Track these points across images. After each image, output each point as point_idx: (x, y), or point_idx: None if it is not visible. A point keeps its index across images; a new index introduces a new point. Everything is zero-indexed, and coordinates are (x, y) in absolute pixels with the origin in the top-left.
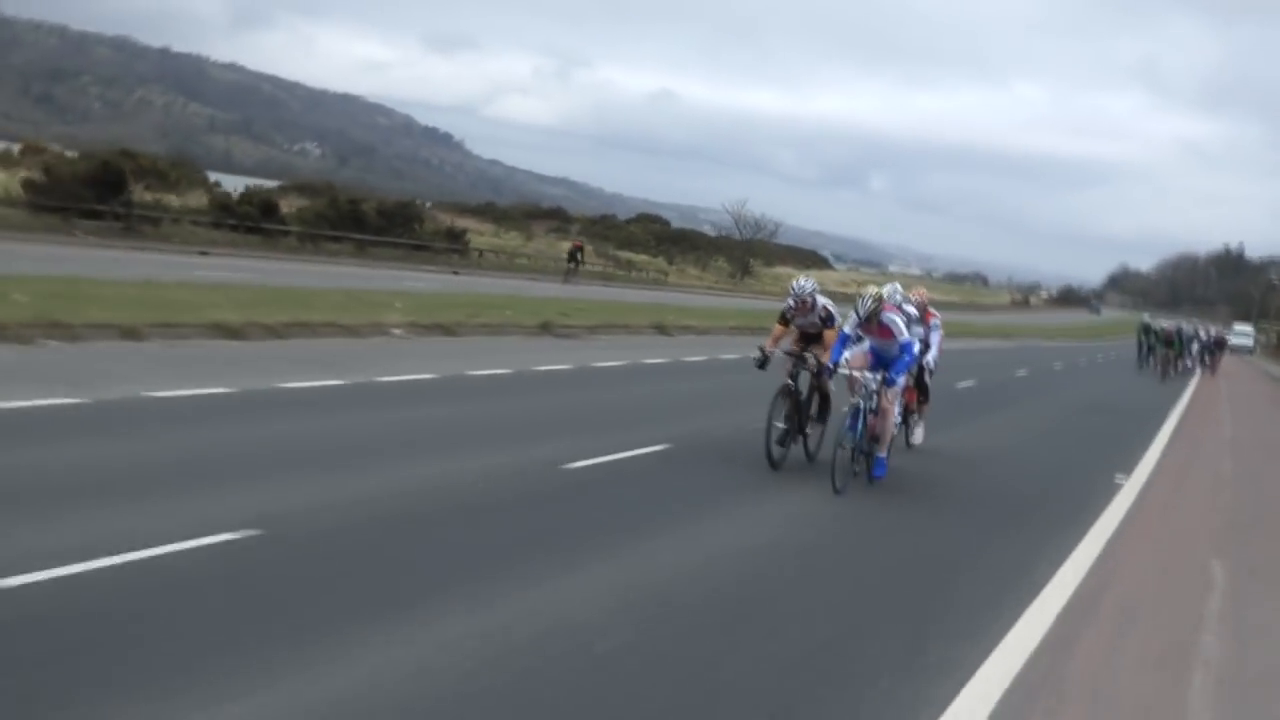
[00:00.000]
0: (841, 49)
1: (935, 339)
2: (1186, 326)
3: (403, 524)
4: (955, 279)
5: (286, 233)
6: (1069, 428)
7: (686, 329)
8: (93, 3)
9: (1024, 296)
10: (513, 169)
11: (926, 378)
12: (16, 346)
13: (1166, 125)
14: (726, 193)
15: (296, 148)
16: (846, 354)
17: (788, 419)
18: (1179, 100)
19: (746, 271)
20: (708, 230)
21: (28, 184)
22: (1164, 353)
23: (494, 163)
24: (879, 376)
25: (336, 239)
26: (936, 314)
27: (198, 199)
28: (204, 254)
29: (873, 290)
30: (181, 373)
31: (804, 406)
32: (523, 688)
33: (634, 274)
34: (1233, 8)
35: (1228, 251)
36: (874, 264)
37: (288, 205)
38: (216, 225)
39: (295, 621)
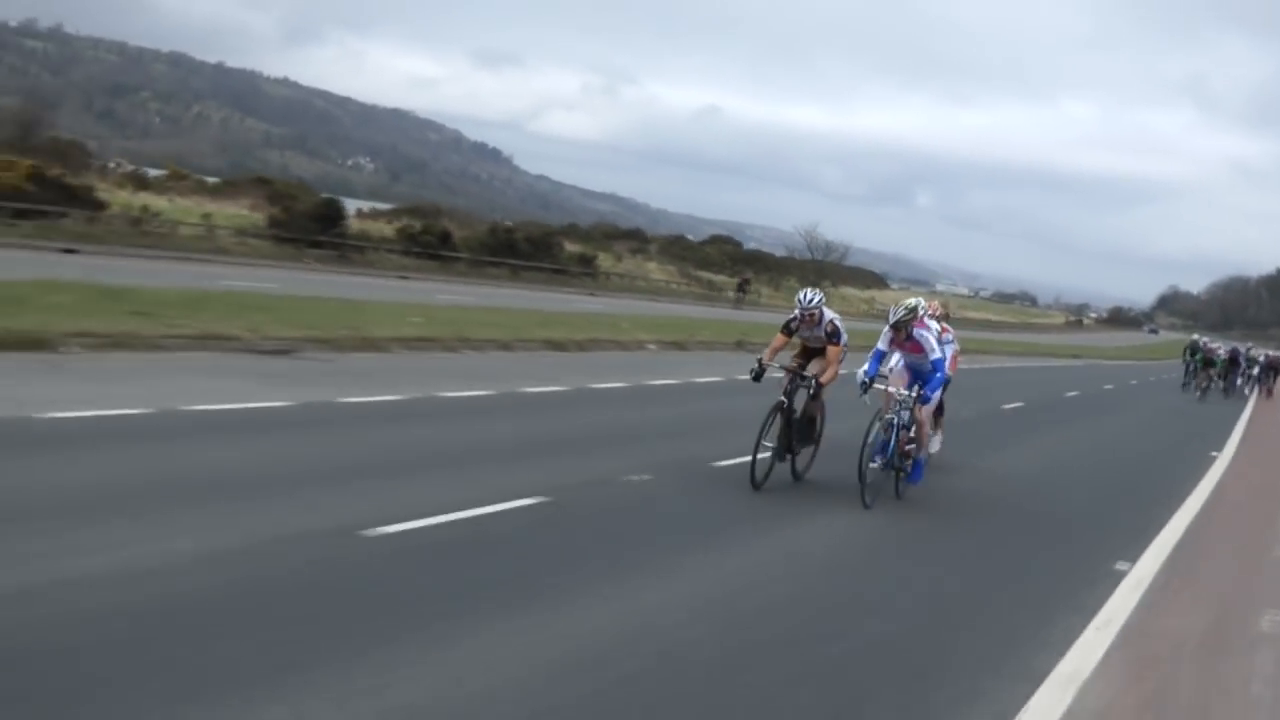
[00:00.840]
0: (886, 65)
1: (949, 353)
2: (1242, 348)
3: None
4: (1003, 298)
5: (458, 259)
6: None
7: None
8: (149, 19)
9: (1078, 318)
10: (560, 184)
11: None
12: (440, 354)
13: (1215, 143)
14: (771, 209)
15: (350, 163)
16: (884, 369)
17: (778, 438)
18: (1228, 118)
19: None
20: (755, 246)
21: (272, 220)
22: (1204, 373)
23: (541, 178)
24: (914, 393)
25: (495, 264)
26: (950, 329)
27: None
28: (404, 278)
29: (909, 301)
30: (536, 374)
31: (795, 426)
32: None
33: (716, 294)
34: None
35: None
36: (921, 282)
37: (402, 228)
38: (405, 252)
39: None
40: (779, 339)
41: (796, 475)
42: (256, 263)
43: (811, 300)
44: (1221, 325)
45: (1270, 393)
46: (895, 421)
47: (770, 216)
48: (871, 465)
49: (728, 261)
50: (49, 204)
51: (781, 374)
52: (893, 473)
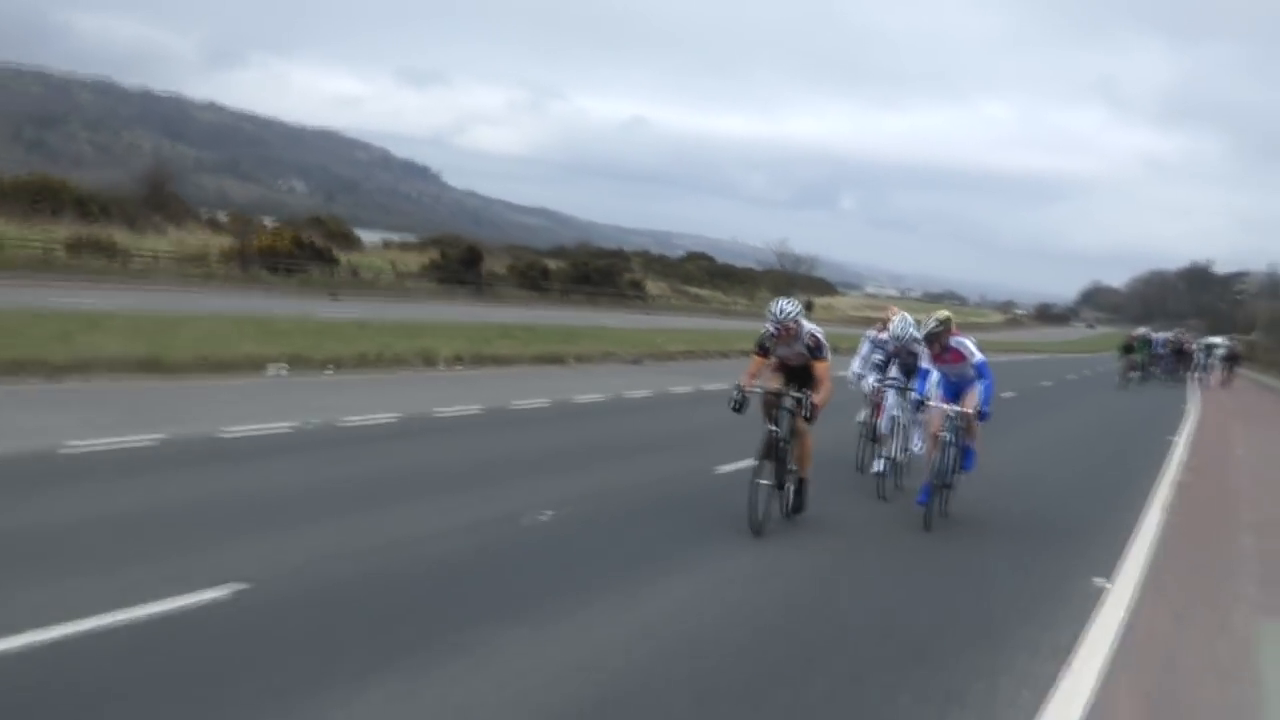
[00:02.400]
0: (812, 74)
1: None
2: (1194, 338)
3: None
4: (931, 298)
5: (550, 289)
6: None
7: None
8: (67, 44)
9: (1015, 315)
10: (489, 199)
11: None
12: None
13: (1128, 140)
14: (698, 217)
15: (284, 185)
16: (927, 388)
17: (770, 474)
18: (1139, 116)
19: None
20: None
21: (431, 265)
22: (1128, 359)
23: (470, 193)
24: (966, 410)
25: (576, 291)
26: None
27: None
28: (528, 306)
29: (940, 314)
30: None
31: (786, 456)
32: None
33: (698, 306)
34: (1187, 27)
35: (1196, 266)
36: (849, 284)
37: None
38: (520, 286)
39: None
40: (755, 361)
41: (786, 512)
42: (443, 300)
43: (788, 312)
44: (1143, 317)
45: (1227, 382)
46: (947, 439)
47: (698, 225)
48: (933, 485)
49: (706, 276)
50: (303, 261)
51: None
52: (940, 490)
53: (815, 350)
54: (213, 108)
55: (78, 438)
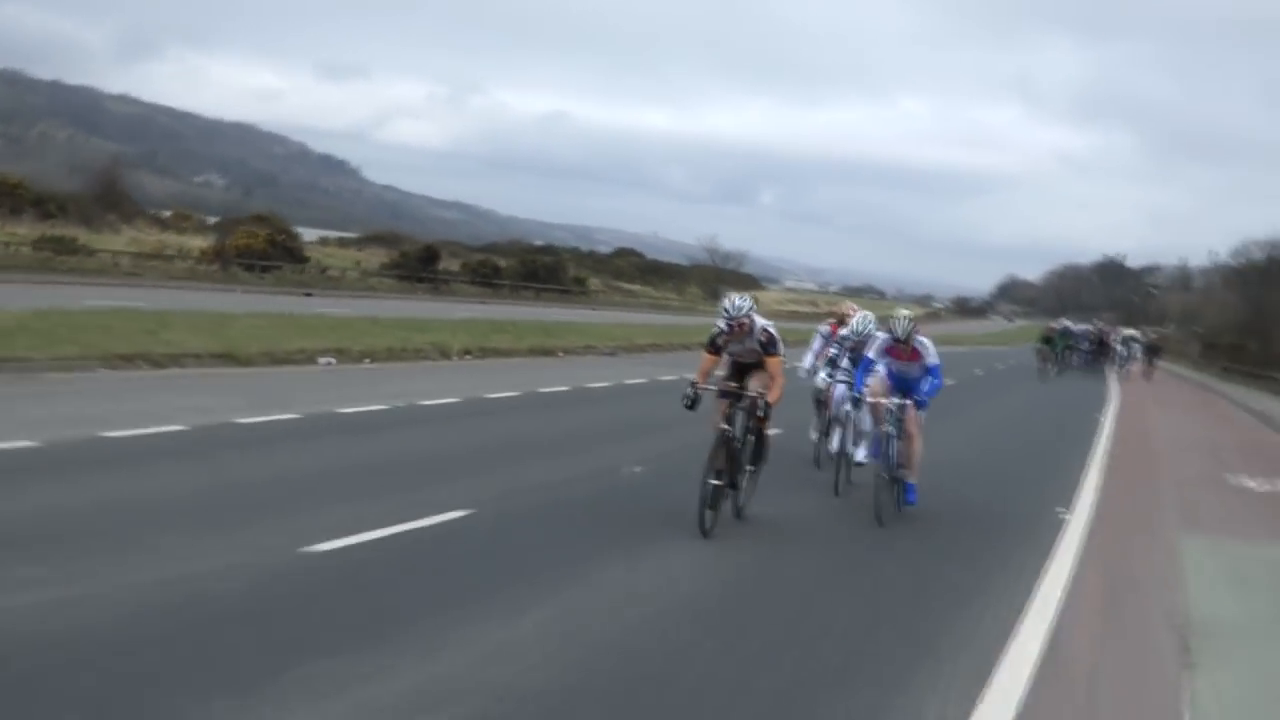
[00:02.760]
0: (733, 69)
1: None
2: (1114, 330)
3: None
4: (851, 292)
5: (501, 285)
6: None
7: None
8: None
9: (934, 309)
10: (408, 194)
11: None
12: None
13: (1042, 136)
14: (618, 211)
15: (201, 179)
16: (869, 380)
17: (721, 474)
18: (1052, 112)
19: (715, 296)
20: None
21: (387, 264)
22: (1043, 350)
23: (389, 188)
24: (906, 401)
25: (525, 287)
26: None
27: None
28: (484, 303)
29: (904, 312)
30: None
31: (739, 456)
32: None
33: (634, 301)
34: (1097, 26)
35: (1109, 260)
36: (768, 279)
37: (386, 256)
38: (471, 282)
39: None
40: (707, 359)
41: (739, 512)
42: (405, 296)
43: (740, 307)
44: (1059, 310)
45: (1149, 373)
46: (890, 433)
47: (619, 219)
48: (857, 461)
49: (637, 272)
50: (275, 260)
51: (719, 399)
52: (892, 484)
53: (769, 345)
54: (128, 100)
55: (240, 415)
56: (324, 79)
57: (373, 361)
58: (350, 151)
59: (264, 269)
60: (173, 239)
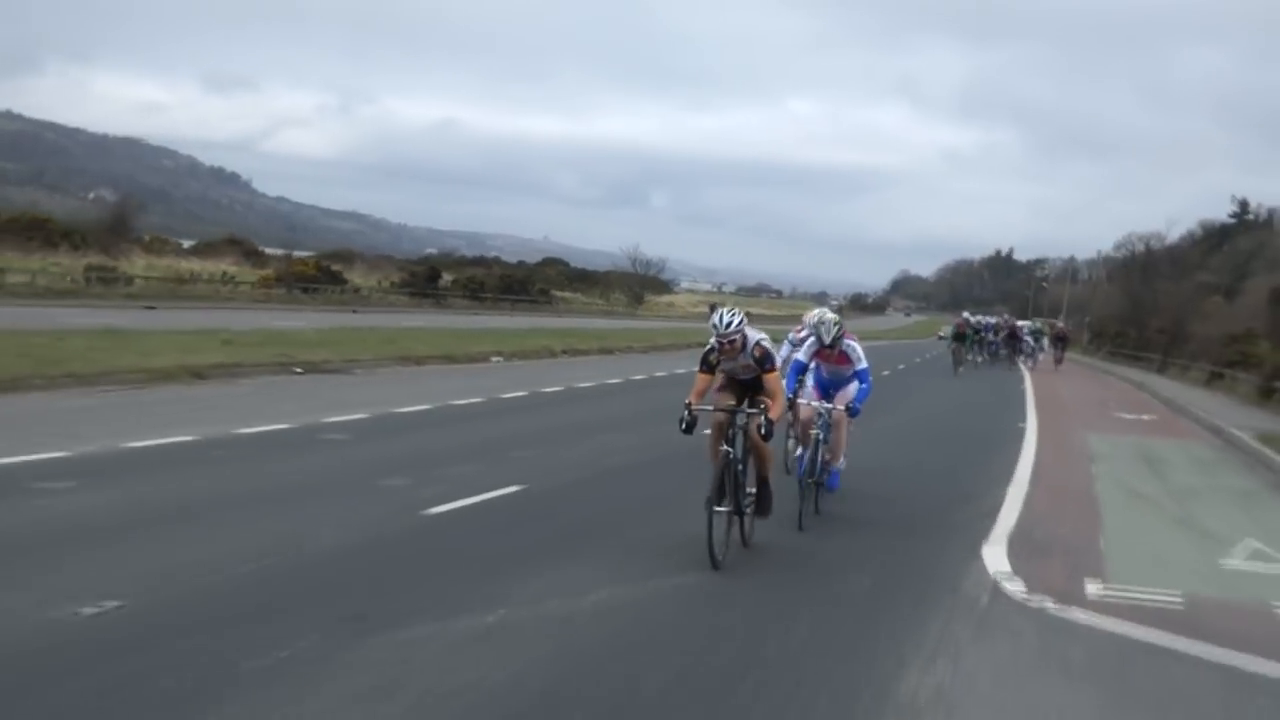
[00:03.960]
0: (623, 76)
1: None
2: (1022, 322)
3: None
4: (747, 292)
5: (486, 298)
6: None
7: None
8: None
9: (834, 306)
10: (300, 204)
11: None
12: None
13: (929, 136)
14: (510, 217)
15: (91, 196)
16: (795, 385)
17: (726, 498)
18: (938, 112)
19: (639, 300)
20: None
21: (396, 284)
22: (956, 346)
23: (281, 199)
24: (838, 407)
25: (492, 298)
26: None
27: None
28: (475, 314)
29: (829, 315)
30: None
31: (742, 478)
32: None
33: (590, 308)
34: (978, 29)
35: (999, 254)
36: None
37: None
38: (463, 296)
39: None
40: (701, 379)
41: (745, 540)
42: (418, 309)
43: (731, 324)
44: (952, 305)
45: (1059, 362)
46: (819, 439)
47: (510, 225)
48: (803, 486)
49: (565, 280)
50: (322, 283)
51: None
52: (812, 487)
53: (764, 360)
54: (10, 116)
55: (457, 398)
56: (211, 91)
57: (522, 360)
58: (241, 163)
59: (314, 290)
60: (194, 264)
